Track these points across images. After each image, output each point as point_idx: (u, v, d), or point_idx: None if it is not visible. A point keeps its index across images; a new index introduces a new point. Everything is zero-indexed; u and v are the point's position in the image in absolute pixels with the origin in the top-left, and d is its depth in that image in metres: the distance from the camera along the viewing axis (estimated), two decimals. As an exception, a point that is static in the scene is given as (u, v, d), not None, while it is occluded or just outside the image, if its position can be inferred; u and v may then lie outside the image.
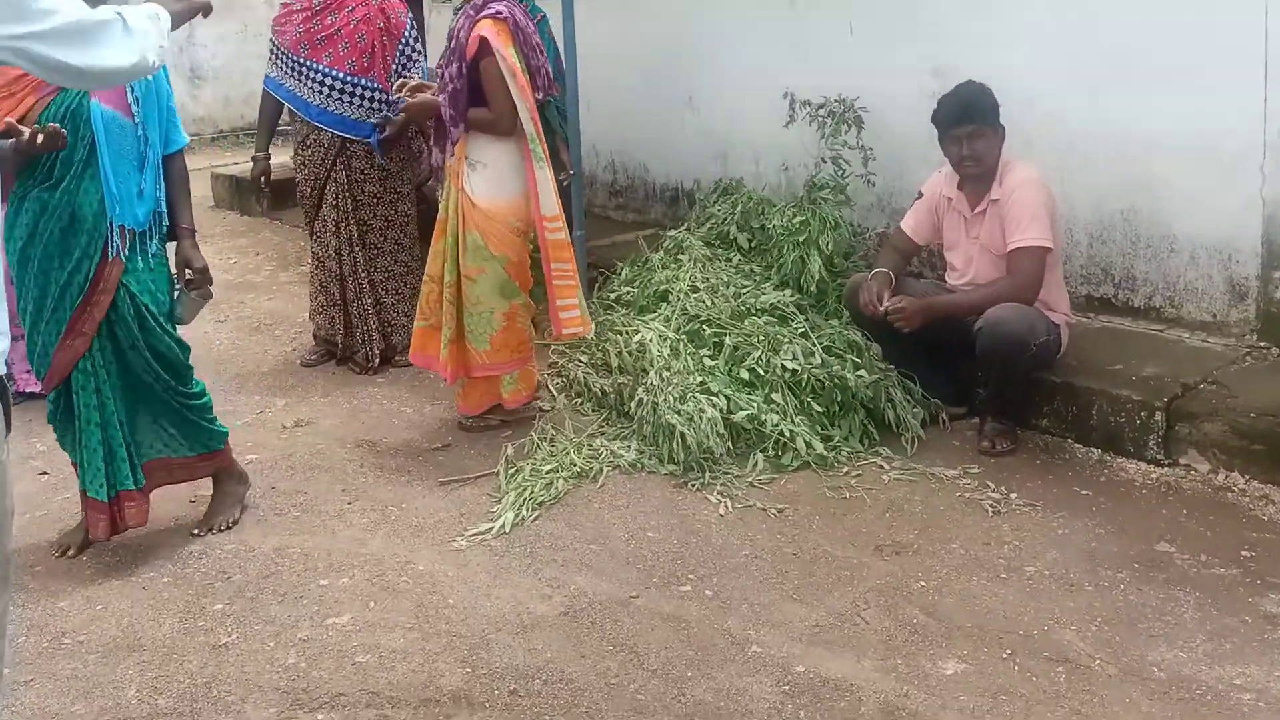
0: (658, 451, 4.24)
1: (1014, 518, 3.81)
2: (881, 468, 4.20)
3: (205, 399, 3.82)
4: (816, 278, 4.79)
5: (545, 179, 4.36)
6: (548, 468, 4.17)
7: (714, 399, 4.25)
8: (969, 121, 4.33)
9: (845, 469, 4.19)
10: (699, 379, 4.36)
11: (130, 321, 3.55)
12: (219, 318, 6.38)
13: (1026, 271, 4.25)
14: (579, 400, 4.84)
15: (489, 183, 4.39)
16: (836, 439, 4.31)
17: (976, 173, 4.36)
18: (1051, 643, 3.12)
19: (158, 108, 3.60)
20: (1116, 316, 5.00)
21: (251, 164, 5.56)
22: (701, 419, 4.13)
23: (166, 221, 3.69)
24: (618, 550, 3.70)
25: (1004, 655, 3.07)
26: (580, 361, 5.00)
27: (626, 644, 3.19)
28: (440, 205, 4.55)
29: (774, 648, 3.14)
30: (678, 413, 4.18)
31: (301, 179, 5.39)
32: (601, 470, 4.20)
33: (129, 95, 3.48)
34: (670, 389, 4.26)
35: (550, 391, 5.00)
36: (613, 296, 5.26)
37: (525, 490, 4.01)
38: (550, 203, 4.36)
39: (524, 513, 3.90)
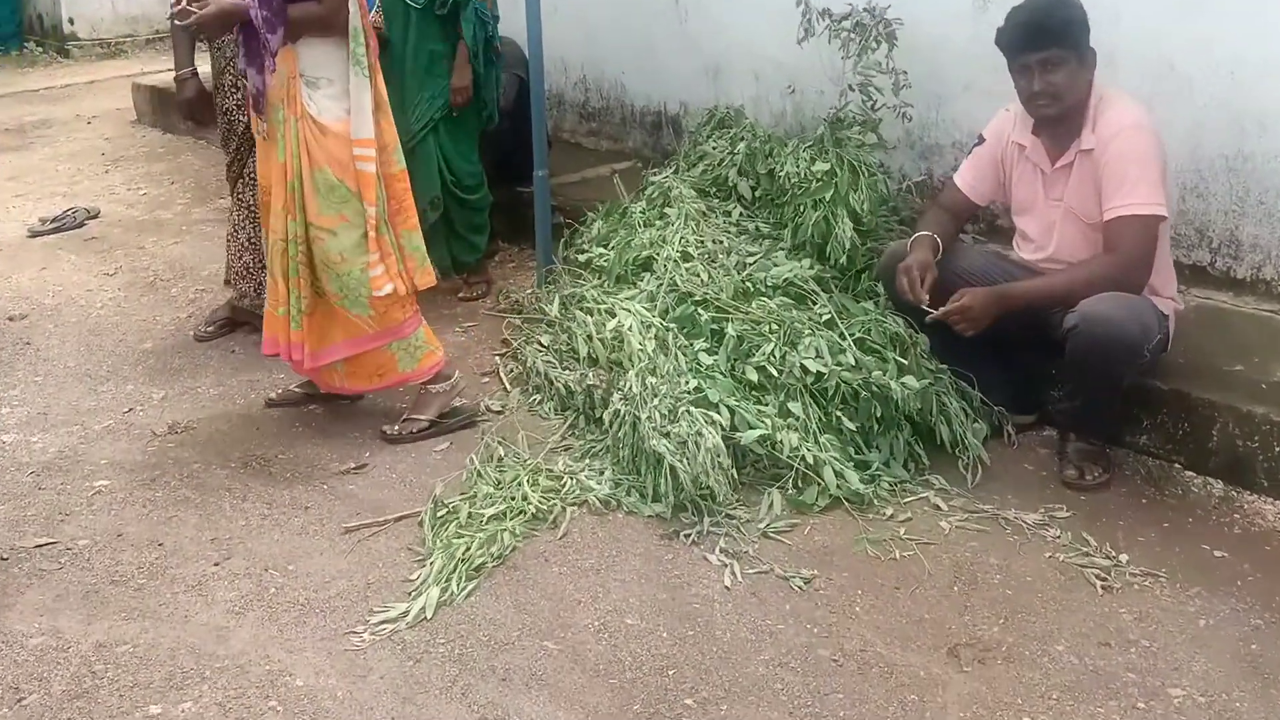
0: (639, 483, 3.08)
1: (1132, 597, 2.67)
2: (937, 507, 3.05)
3: None
4: (846, 247, 3.58)
5: (363, 91, 3.20)
6: (491, 510, 3.00)
7: (713, 414, 3.07)
8: (1044, 45, 3.09)
9: (889, 510, 3.03)
10: (692, 383, 3.18)
11: None
12: (108, 269, 5.11)
13: (1133, 248, 3.06)
14: (537, 398, 3.65)
15: (339, 99, 3.22)
16: (875, 465, 3.16)
17: (1053, 114, 3.14)
18: (1236, 843, 2.02)
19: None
20: (1213, 290, 3.82)
21: (175, 86, 4.15)
22: (699, 448, 2.96)
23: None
24: (584, 651, 2.54)
25: None
26: (540, 345, 3.81)
27: (595, 839, 2.07)
28: (265, 144, 3.34)
29: None
30: (666, 435, 3.01)
31: (233, 105, 4.04)
32: (564, 511, 3.04)
33: None
34: (656, 402, 3.08)
35: (503, 383, 3.81)
36: (582, 259, 4.03)
37: (458, 549, 2.84)
38: (364, 123, 3.20)
39: (454, 586, 2.72)
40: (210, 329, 4.30)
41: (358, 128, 3.23)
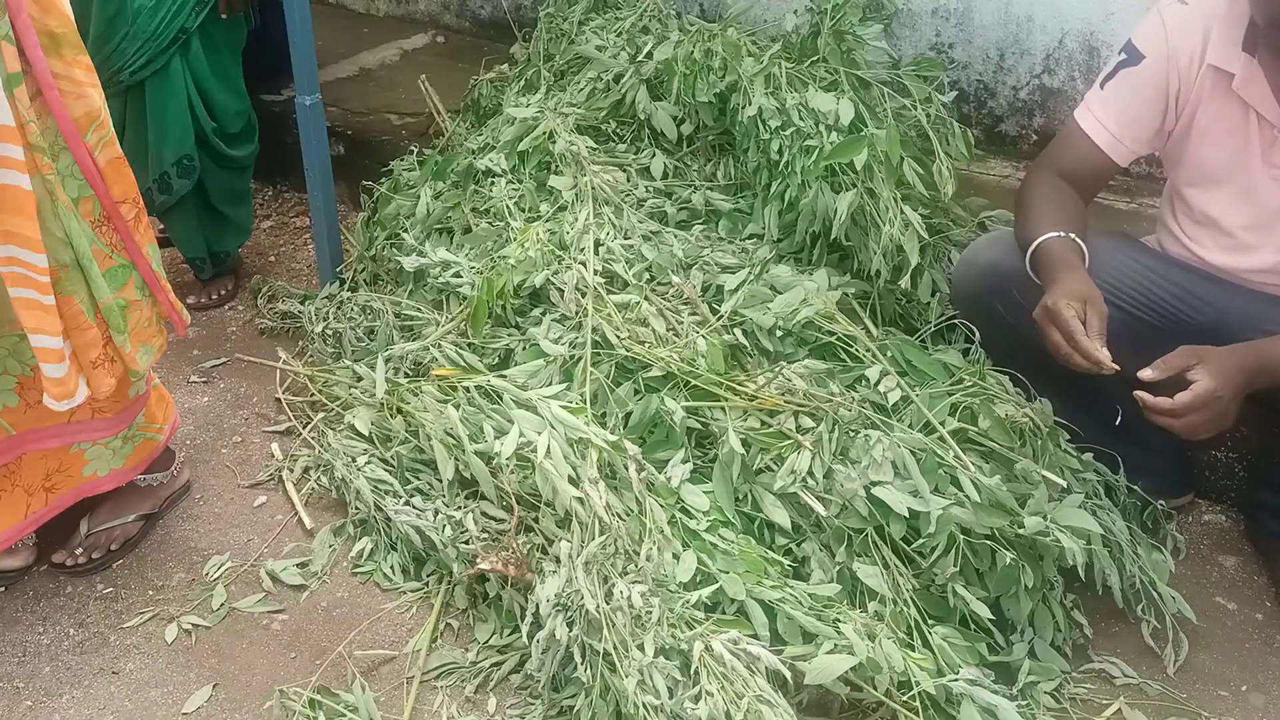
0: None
1: None
2: (1153, 751, 1.65)
3: None
4: (912, 264, 1.94)
5: None
6: None
7: (748, 641, 1.52)
8: None
9: (1073, 768, 1.62)
10: (687, 565, 1.60)
11: None
12: None
13: None
14: (365, 545, 1.96)
15: None
16: (1023, 665, 1.70)
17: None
18: None
19: None
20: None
21: None
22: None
23: None
24: None
25: None
26: (354, 436, 2.07)
27: None
28: None
29: None
30: (680, 720, 1.44)
31: None
32: None
33: None
34: (644, 650, 1.48)
35: (291, 503, 2.08)
36: (407, 263, 2.25)
37: None
38: None
39: None
40: None
41: None
